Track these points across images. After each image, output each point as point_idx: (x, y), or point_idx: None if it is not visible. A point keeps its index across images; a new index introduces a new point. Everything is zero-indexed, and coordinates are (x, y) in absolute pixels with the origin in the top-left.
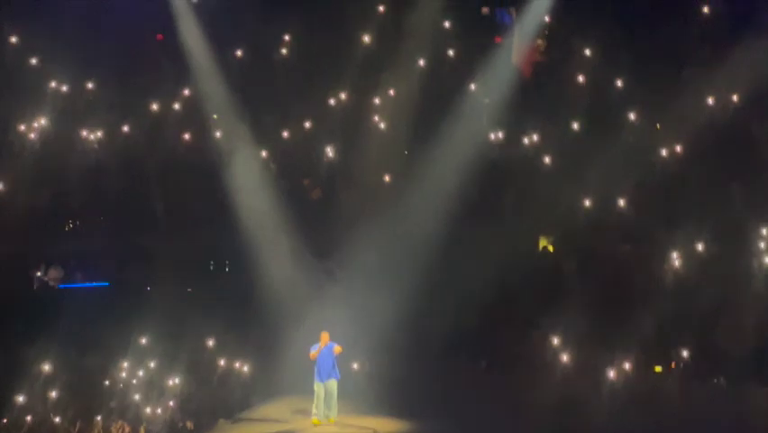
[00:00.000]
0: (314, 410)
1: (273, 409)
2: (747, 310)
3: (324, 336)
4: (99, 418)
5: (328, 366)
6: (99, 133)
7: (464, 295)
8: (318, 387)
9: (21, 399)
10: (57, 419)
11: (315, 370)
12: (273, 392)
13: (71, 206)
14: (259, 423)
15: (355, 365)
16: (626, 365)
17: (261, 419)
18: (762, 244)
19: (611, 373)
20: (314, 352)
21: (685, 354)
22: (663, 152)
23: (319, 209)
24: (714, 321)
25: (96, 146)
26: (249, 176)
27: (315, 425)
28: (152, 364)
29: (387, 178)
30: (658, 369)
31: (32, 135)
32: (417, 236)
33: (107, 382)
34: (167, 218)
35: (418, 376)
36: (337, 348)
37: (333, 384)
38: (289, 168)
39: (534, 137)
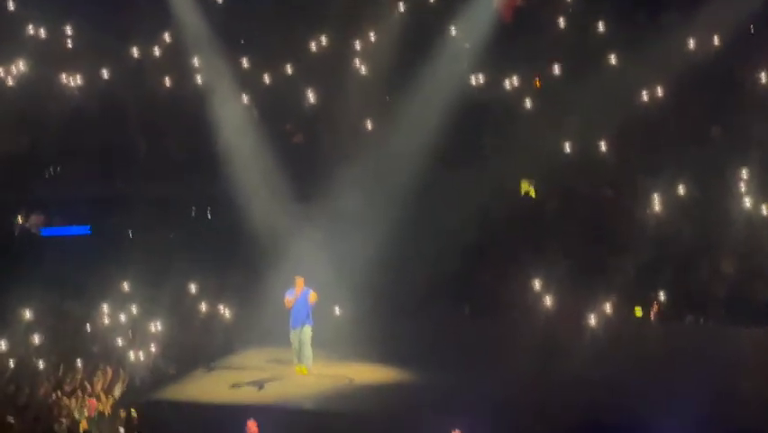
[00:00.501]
0: (294, 360)
1: (250, 357)
2: (728, 252)
3: (299, 281)
4: (81, 362)
5: (302, 314)
6: (79, 78)
7: (446, 238)
8: (293, 334)
9: (2, 344)
10: (40, 364)
11: (291, 315)
12: (251, 340)
13: (51, 151)
14: (236, 371)
15: (336, 309)
16: (607, 308)
17: (239, 367)
18: (742, 186)
19: (592, 317)
20: (289, 299)
21: (666, 296)
22: (644, 96)
23: (301, 154)
24: (695, 264)
25: (75, 91)
26: (231, 121)
27: (302, 373)
28: (134, 309)
29: (368, 122)
30: (638, 312)
31: (10, 81)
32: (399, 180)
33: (89, 327)
34: (148, 164)
35: (399, 321)
36: (312, 296)
37: (307, 331)
38: (271, 112)
39: (515, 81)
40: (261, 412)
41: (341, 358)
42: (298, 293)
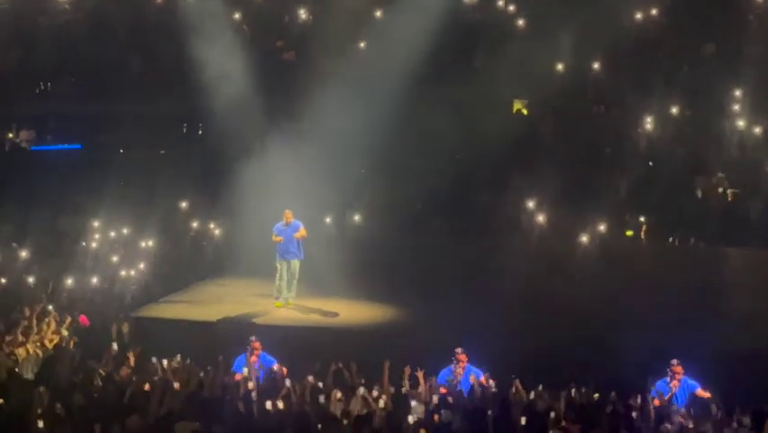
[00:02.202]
0: (275, 292)
1: (231, 290)
2: (720, 172)
3: (288, 214)
4: (71, 279)
5: (293, 245)
6: None
7: (438, 157)
8: (281, 265)
9: None
10: (30, 279)
11: (278, 247)
12: (233, 270)
13: (42, 68)
14: (216, 305)
15: (328, 219)
16: (599, 227)
17: (218, 301)
18: (735, 106)
19: (584, 236)
20: (277, 236)
21: (657, 216)
22: (638, 15)
23: (292, 72)
24: (687, 183)
25: (66, 7)
26: (222, 38)
27: (278, 308)
28: (125, 227)
29: (360, 43)
30: (629, 232)
31: None
32: (390, 99)
33: (81, 243)
34: (139, 81)
35: (392, 236)
36: (302, 231)
37: (296, 264)
38: (263, 30)
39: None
40: (255, 331)
41: (329, 292)
42: (287, 224)
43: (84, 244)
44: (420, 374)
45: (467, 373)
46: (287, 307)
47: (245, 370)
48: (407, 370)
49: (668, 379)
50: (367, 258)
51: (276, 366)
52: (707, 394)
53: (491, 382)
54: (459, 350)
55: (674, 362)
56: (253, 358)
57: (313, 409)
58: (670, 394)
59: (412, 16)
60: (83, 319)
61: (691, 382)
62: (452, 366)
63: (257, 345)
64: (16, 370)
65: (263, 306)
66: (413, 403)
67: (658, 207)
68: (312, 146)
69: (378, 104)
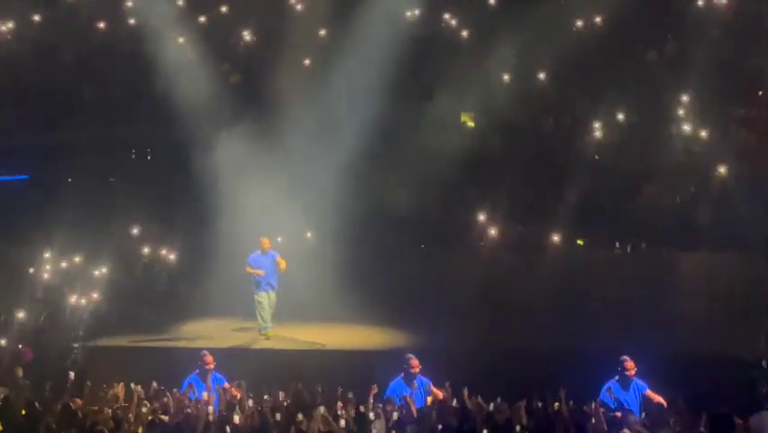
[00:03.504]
0: (261, 323)
1: (209, 327)
2: (668, 178)
3: (265, 241)
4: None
5: (274, 276)
6: (10, 24)
7: (390, 174)
8: (261, 296)
9: None
10: None
11: (259, 278)
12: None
13: None
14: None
15: (308, 234)
16: (551, 238)
17: (202, 336)
18: (680, 111)
19: (536, 247)
20: (254, 268)
21: (608, 224)
22: (581, 24)
23: (242, 93)
24: (636, 189)
25: (8, 37)
26: (167, 63)
27: (269, 338)
28: (77, 255)
29: (306, 61)
30: (580, 241)
31: None
32: (342, 117)
33: (31, 274)
34: (86, 108)
35: (346, 251)
36: (281, 263)
37: (274, 295)
38: (209, 53)
39: (453, 15)
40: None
41: (303, 318)
42: (264, 253)
43: (35, 274)
44: (372, 390)
45: (421, 386)
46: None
47: (204, 394)
48: (374, 389)
49: (617, 378)
50: (320, 276)
51: (227, 385)
52: (658, 398)
53: (446, 391)
54: (410, 355)
55: (625, 357)
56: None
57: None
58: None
59: (358, 33)
60: (26, 352)
61: (641, 382)
62: (402, 376)
63: (209, 359)
64: None
65: (226, 332)
66: (373, 421)
67: (609, 214)
68: (267, 166)
69: (330, 122)
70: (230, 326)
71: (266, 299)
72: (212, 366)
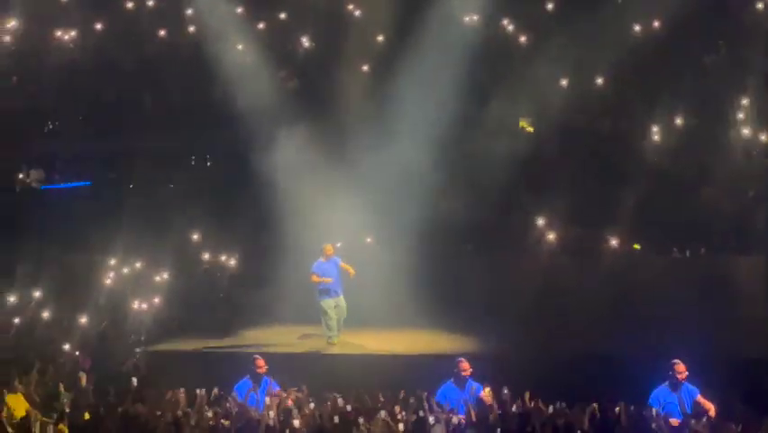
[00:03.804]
0: (326, 331)
1: (271, 333)
2: (727, 181)
3: (328, 248)
4: (86, 316)
5: (336, 282)
6: (73, 33)
7: (448, 179)
8: (328, 303)
9: (11, 298)
10: (45, 315)
11: (321, 287)
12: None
13: (49, 106)
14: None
15: (369, 239)
16: (609, 242)
17: (264, 342)
18: (740, 115)
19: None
20: (320, 277)
21: (666, 228)
22: (640, 28)
23: (300, 99)
24: (695, 194)
25: (71, 45)
26: (226, 69)
27: (335, 345)
28: (138, 261)
29: (365, 67)
30: (637, 246)
31: (5, 38)
32: (399, 123)
33: (94, 280)
34: (146, 116)
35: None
36: (349, 268)
37: (342, 301)
38: (267, 59)
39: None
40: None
41: (363, 324)
42: (328, 259)
43: (97, 280)
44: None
45: (475, 390)
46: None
47: (267, 399)
48: (425, 395)
49: (667, 383)
50: (379, 281)
51: (278, 391)
52: (708, 405)
53: (506, 394)
54: (461, 359)
55: (676, 361)
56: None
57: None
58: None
59: (415, 39)
60: (86, 360)
61: (692, 387)
62: (452, 380)
63: (261, 362)
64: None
65: (289, 338)
66: (433, 425)
67: (667, 218)
68: (321, 173)
69: (389, 126)
70: (292, 332)
71: (332, 307)
72: (263, 370)
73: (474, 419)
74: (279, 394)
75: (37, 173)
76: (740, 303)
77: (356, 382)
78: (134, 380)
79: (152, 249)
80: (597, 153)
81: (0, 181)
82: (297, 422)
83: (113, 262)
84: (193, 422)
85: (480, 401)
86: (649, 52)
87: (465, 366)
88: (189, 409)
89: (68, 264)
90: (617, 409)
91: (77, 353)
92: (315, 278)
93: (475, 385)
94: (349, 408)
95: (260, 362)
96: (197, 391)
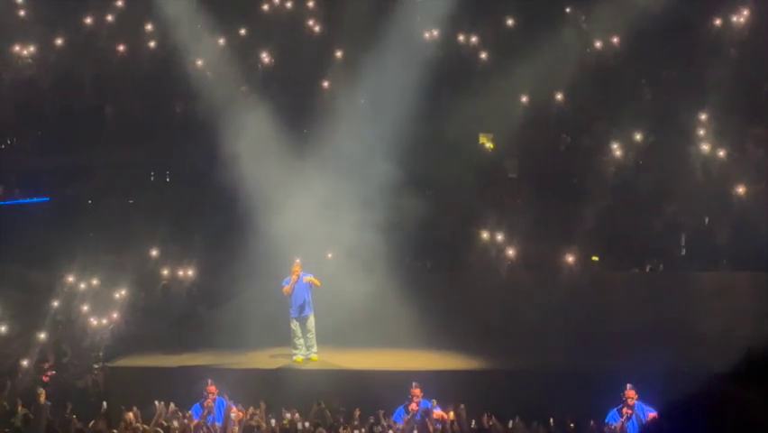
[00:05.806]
0: (293, 350)
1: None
2: (686, 197)
3: (296, 266)
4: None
5: (301, 300)
6: (32, 48)
7: (407, 195)
8: (294, 324)
9: None
10: (2, 330)
11: (291, 303)
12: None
13: (7, 122)
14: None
15: (329, 255)
16: (569, 258)
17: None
18: (700, 131)
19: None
20: (287, 287)
21: (624, 243)
22: (599, 44)
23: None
24: (654, 209)
25: (29, 60)
26: (185, 85)
27: (300, 363)
28: (96, 277)
29: (325, 83)
30: (595, 258)
31: None
32: (355, 139)
33: (52, 296)
34: (105, 131)
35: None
36: (315, 281)
37: (310, 319)
38: (226, 75)
39: (471, 36)
40: (218, 374)
41: (337, 343)
42: (295, 279)
43: (55, 296)
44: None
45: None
46: (311, 362)
47: (233, 415)
48: (381, 413)
49: (618, 407)
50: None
51: (234, 409)
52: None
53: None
54: (414, 384)
55: (628, 386)
56: (208, 402)
57: None
58: (620, 423)
59: (374, 55)
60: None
61: (647, 407)
62: (405, 404)
63: (212, 389)
64: None
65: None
66: None
67: (626, 234)
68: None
69: (342, 143)
70: (254, 348)
71: (297, 326)
72: (214, 396)
73: None
74: (237, 412)
75: None
76: (700, 318)
77: (316, 399)
78: (104, 404)
79: (111, 264)
80: (557, 169)
81: None
82: None
83: (71, 277)
84: None
85: (422, 423)
86: (609, 69)
87: (417, 392)
88: (145, 426)
89: (26, 280)
90: (572, 424)
91: (39, 367)
92: (286, 289)
93: (426, 405)
94: (307, 424)
95: (212, 388)
96: (156, 402)
